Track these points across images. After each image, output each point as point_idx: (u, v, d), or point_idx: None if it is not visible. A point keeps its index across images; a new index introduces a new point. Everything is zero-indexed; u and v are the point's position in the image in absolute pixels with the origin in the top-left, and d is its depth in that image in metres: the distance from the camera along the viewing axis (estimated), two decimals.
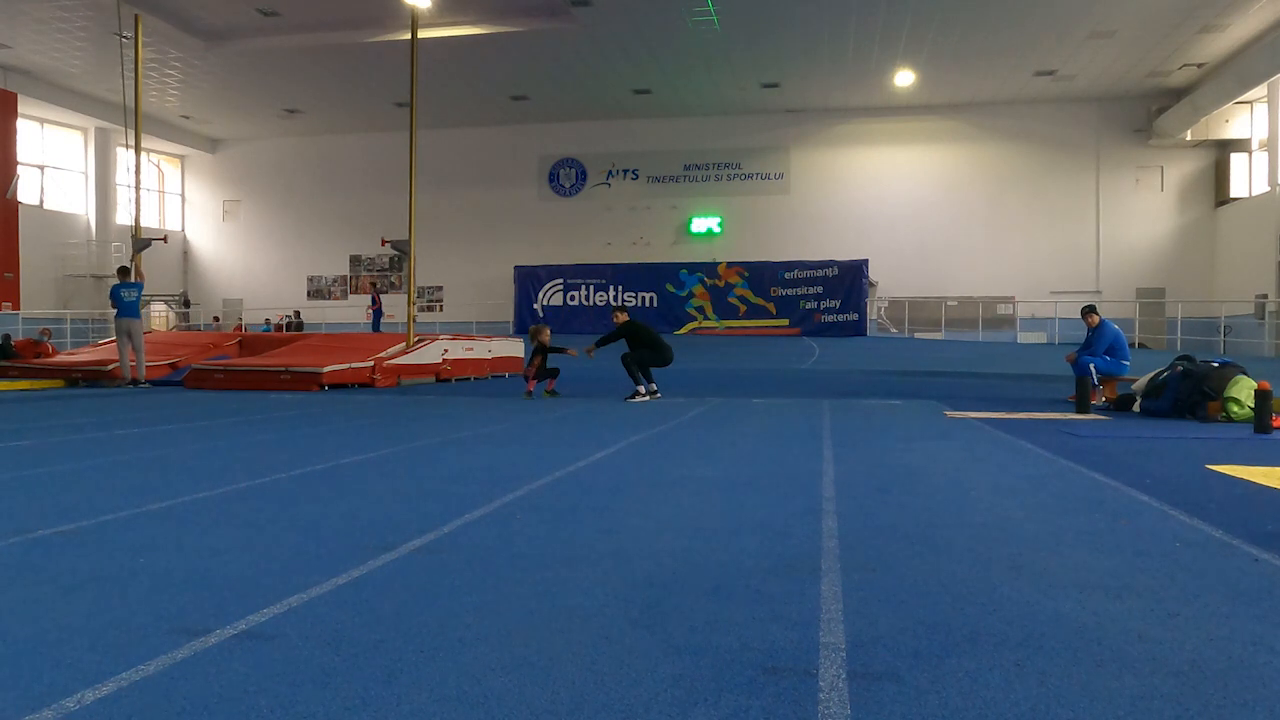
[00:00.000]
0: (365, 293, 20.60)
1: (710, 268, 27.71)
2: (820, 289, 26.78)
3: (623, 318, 10.75)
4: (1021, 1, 19.56)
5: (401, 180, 16.13)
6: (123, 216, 27.73)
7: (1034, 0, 19.51)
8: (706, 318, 27.61)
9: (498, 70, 24.50)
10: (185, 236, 32.43)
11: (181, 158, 32.29)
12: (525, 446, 5.71)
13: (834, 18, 20.61)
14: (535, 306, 28.54)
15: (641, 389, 10.18)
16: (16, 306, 23.34)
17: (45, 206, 26.46)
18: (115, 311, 13.52)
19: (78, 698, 1.62)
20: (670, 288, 27.61)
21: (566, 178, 30.24)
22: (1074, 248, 26.95)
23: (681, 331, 27.18)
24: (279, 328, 28.16)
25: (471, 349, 15.63)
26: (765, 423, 7.51)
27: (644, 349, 10.46)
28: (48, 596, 2.30)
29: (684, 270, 27.77)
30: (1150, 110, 25.95)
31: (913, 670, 1.77)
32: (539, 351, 11.01)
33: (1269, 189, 22.62)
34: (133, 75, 16.07)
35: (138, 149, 16.38)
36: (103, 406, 9.53)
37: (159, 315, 29.75)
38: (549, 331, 11.44)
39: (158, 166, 31.27)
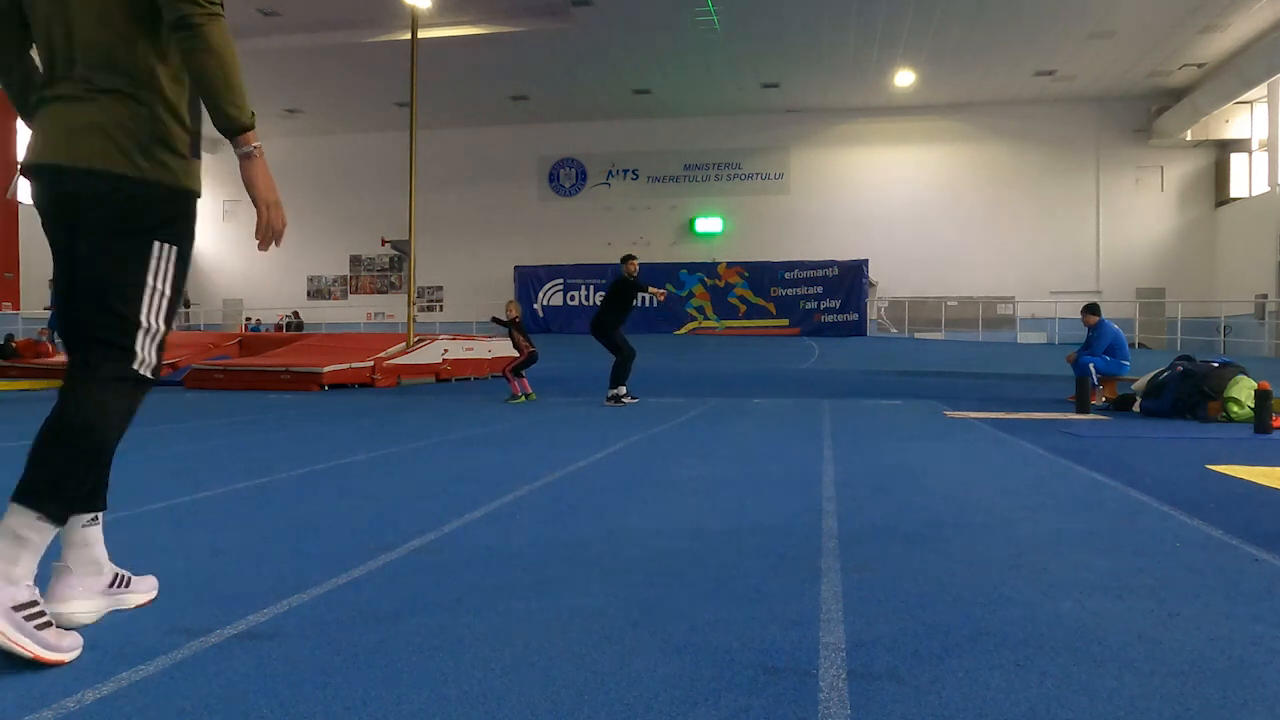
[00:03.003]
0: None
1: (710, 268, 27.71)
2: (820, 289, 26.79)
3: (635, 267, 9.78)
4: (1021, 1, 19.57)
5: (401, 180, 16.14)
6: None
7: (1034, 0, 19.51)
8: (706, 318, 27.62)
9: (498, 70, 24.50)
10: None
11: None
12: (525, 446, 5.71)
13: (834, 18, 20.62)
14: (535, 306, 28.55)
15: (624, 388, 9.54)
16: (16, 306, 23.34)
17: None
18: None
19: (78, 698, 1.62)
20: (670, 288, 27.61)
21: (566, 178, 30.24)
22: (1074, 248, 26.95)
23: (681, 331, 27.20)
24: (278, 328, 28.16)
25: (471, 349, 15.64)
26: (765, 423, 7.51)
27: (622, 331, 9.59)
28: None
29: (684, 270, 27.78)
30: (1150, 110, 25.95)
31: (913, 670, 1.77)
32: (514, 328, 10.14)
33: (1269, 189, 22.62)
34: None
35: None
36: None
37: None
38: (519, 307, 10.59)
39: None
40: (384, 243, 15.80)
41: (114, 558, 2.18)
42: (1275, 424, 6.85)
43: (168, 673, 1.75)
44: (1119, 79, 24.64)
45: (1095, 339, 9.81)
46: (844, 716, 1.56)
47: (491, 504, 3.62)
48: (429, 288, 30.41)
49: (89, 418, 1.90)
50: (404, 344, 14.39)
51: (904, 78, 24.70)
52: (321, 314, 30.74)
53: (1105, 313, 10.27)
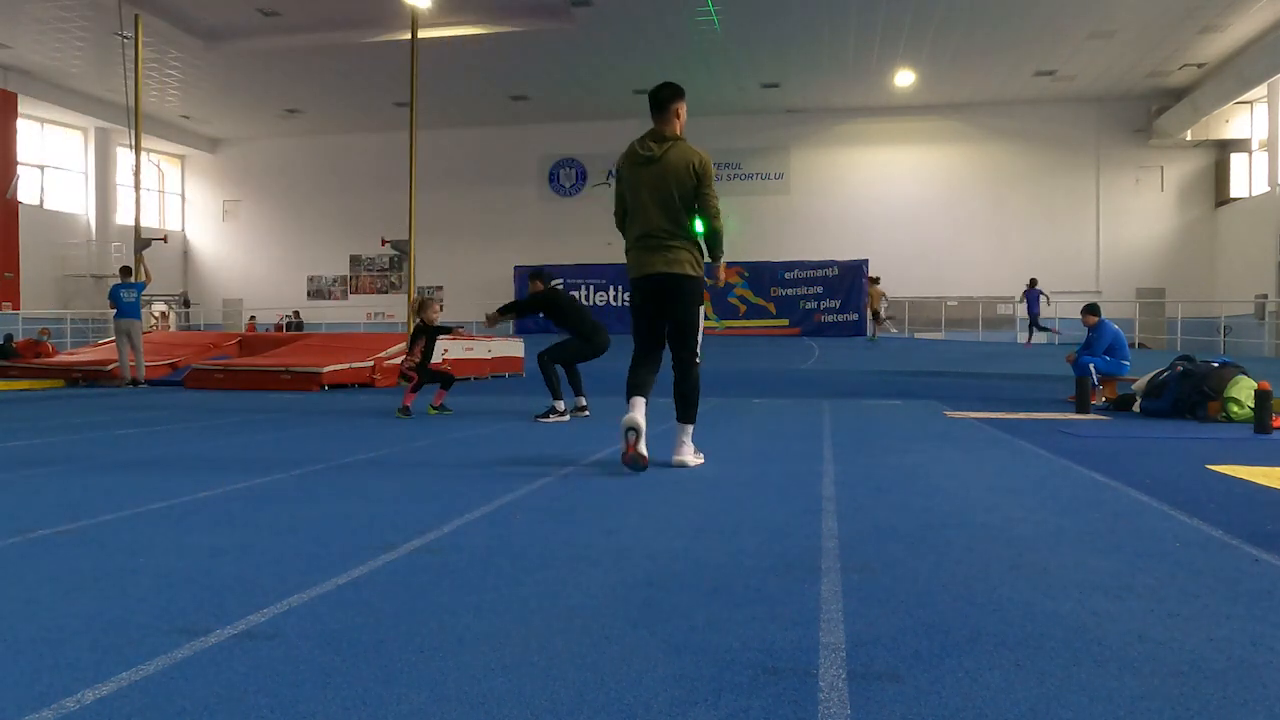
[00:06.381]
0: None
1: (710, 268, 27.65)
2: (820, 289, 26.74)
3: (539, 286, 8.39)
4: (1021, 1, 19.56)
5: (401, 180, 16.13)
6: (123, 216, 27.72)
7: (1034, 0, 19.51)
8: (706, 318, 27.49)
9: (498, 70, 24.49)
10: (185, 236, 32.42)
11: (181, 158, 32.28)
12: (525, 446, 5.72)
13: (834, 18, 20.61)
14: None
15: (560, 405, 7.69)
16: (16, 306, 23.33)
17: (45, 206, 26.45)
18: (115, 311, 13.52)
19: (78, 698, 1.62)
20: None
21: (566, 178, 30.23)
22: (1074, 248, 26.93)
23: None
24: (278, 328, 28.16)
25: (471, 349, 15.62)
26: (765, 423, 7.51)
27: (570, 340, 8.15)
28: (48, 596, 2.30)
29: None
30: (1150, 110, 25.93)
31: (913, 670, 1.77)
32: (422, 334, 8.44)
33: (1269, 189, 22.61)
34: (133, 75, 16.08)
35: (137, 149, 16.39)
36: (102, 406, 9.53)
37: (172, 314, 29.66)
38: (439, 308, 8.78)
39: (158, 166, 31.27)
40: (384, 243, 15.75)
41: (115, 556, 2.17)
42: (1275, 424, 6.85)
43: (168, 673, 1.75)
44: (1119, 79, 24.64)
45: (1095, 339, 9.80)
46: (844, 717, 1.56)
47: (491, 504, 3.62)
48: (429, 288, 30.38)
49: (693, 385, 4.85)
50: (404, 344, 14.38)
51: (904, 78, 24.68)
52: (321, 314, 30.72)
53: (1105, 313, 10.27)
